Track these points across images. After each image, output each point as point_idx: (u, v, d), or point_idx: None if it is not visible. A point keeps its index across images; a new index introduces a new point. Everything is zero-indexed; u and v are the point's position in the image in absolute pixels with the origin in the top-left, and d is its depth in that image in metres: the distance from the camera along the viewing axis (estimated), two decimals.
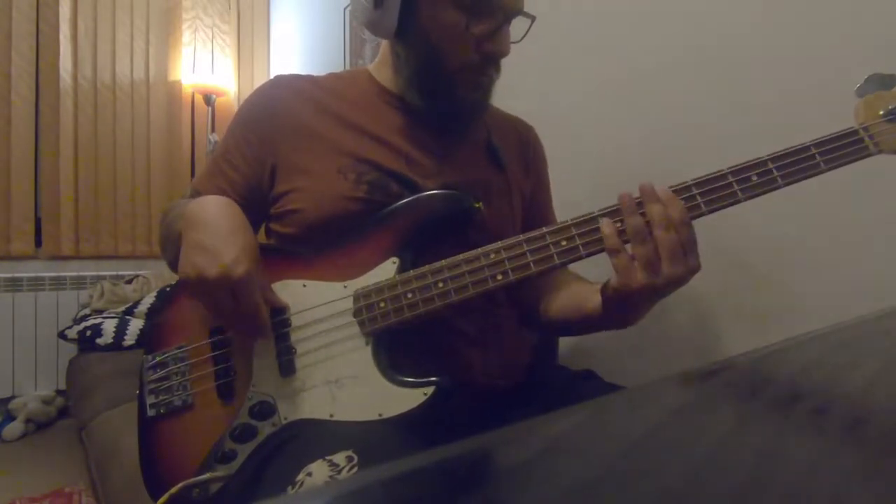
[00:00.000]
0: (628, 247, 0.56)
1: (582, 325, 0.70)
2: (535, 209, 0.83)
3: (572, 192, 0.88)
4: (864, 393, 0.27)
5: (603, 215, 0.57)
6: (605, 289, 0.61)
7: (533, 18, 0.69)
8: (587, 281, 0.75)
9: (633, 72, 1.07)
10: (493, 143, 0.77)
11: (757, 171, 0.55)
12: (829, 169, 0.54)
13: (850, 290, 0.76)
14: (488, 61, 0.68)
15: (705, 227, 0.58)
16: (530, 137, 0.85)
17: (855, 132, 0.54)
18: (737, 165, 0.56)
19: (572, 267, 0.65)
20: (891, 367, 0.31)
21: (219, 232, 0.58)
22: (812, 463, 0.19)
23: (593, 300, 0.65)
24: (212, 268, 0.56)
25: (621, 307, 0.60)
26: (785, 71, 0.84)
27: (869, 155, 0.54)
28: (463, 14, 0.64)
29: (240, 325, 0.61)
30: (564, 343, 1.15)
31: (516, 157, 0.81)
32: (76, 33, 2.36)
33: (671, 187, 0.56)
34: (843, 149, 0.54)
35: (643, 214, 0.55)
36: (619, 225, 0.56)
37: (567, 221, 0.58)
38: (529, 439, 0.20)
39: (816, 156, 0.54)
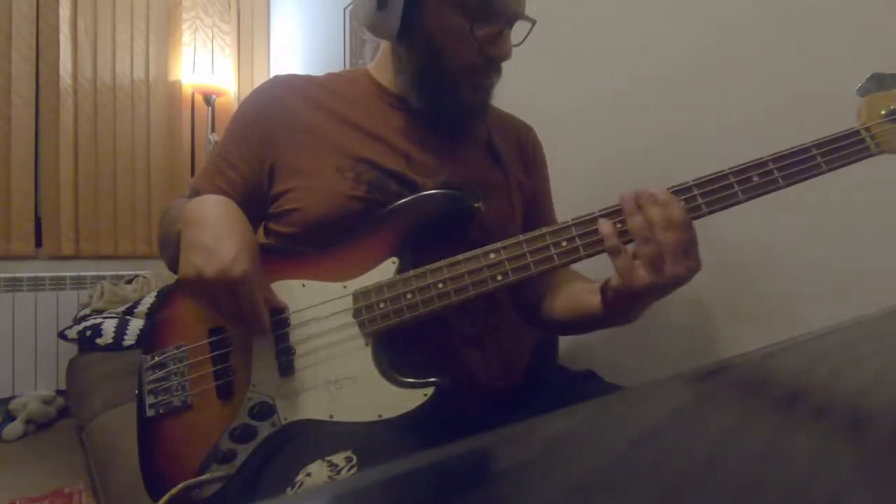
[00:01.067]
0: (629, 247, 0.56)
1: (583, 323, 0.71)
2: (535, 209, 0.83)
3: (572, 193, 0.87)
4: (864, 393, 0.27)
5: (603, 215, 0.57)
6: (605, 288, 0.61)
7: (533, 23, 0.69)
8: (587, 280, 0.76)
9: (633, 73, 1.07)
10: (493, 141, 0.76)
11: (758, 172, 0.55)
12: (831, 170, 0.54)
13: (850, 290, 0.76)
14: (490, 64, 0.68)
15: (705, 227, 0.58)
16: (529, 138, 0.85)
17: (856, 132, 0.54)
18: (738, 166, 0.55)
19: (576, 266, 0.65)
20: (891, 367, 0.31)
21: (218, 231, 0.58)
22: (812, 463, 0.19)
23: (593, 299, 0.65)
24: (210, 267, 0.55)
25: (622, 306, 0.61)
26: (785, 71, 0.84)
27: (870, 155, 0.54)
28: (466, 18, 0.64)
29: (239, 325, 0.61)
30: (564, 343, 1.15)
31: (516, 156, 0.81)
32: (76, 33, 2.36)
33: (672, 188, 0.56)
34: (844, 149, 0.54)
35: (644, 215, 0.55)
36: (619, 225, 0.56)
37: (567, 222, 0.58)
38: (529, 439, 0.20)
39: (818, 156, 0.54)
